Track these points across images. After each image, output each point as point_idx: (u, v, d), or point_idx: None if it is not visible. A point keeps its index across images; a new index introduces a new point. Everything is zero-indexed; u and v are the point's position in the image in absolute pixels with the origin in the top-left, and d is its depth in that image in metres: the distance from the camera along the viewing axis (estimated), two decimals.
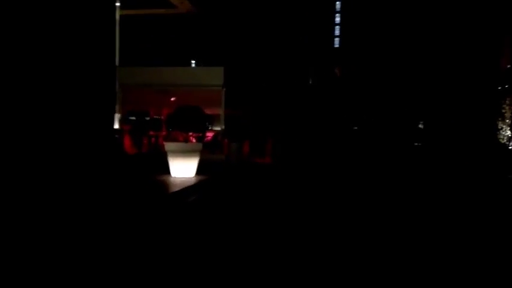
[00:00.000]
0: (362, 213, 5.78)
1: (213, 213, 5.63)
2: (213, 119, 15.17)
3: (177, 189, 6.63)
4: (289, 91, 20.91)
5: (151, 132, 14.03)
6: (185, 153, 7.56)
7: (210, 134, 14.16)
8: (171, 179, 7.50)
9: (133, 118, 13.93)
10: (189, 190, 6.70)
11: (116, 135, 7.50)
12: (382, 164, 14.40)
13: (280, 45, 21.94)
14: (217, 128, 14.06)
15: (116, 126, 8.01)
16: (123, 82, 13.69)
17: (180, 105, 7.86)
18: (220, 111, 13.56)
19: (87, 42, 6.44)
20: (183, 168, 7.65)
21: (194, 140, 14.22)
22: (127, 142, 14.18)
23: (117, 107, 14.38)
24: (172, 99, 14.93)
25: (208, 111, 16.03)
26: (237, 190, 7.67)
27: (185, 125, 7.63)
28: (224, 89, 13.20)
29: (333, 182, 9.45)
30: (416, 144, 25.87)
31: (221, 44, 13.84)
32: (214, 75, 13.20)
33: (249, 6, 16.18)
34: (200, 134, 9.42)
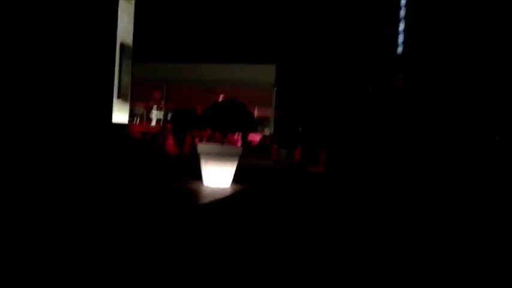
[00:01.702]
0: (432, 238, 4.18)
1: (250, 236, 4.21)
2: (261, 121, 13.84)
3: (204, 200, 5.29)
4: (347, 96, 19.07)
5: (195, 132, 12.97)
6: (219, 156, 6.21)
7: (257, 138, 12.81)
8: (202, 188, 6.19)
9: (176, 116, 12.95)
10: (218, 204, 5.34)
11: (126, 131, 6.39)
12: (451, 183, 12.16)
13: (340, 46, 20.17)
14: (266, 132, 12.68)
15: (125, 121, 6.88)
16: (166, 79, 12.82)
17: (219, 100, 6.53)
18: (269, 113, 12.17)
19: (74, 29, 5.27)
20: (216, 176, 6.31)
21: (239, 143, 13.01)
22: (169, 142, 13.25)
23: (161, 103, 13.58)
24: (220, 98, 13.78)
25: (256, 113, 14.79)
26: (283, 206, 6.20)
27: (223, 124, 6.30)
28: (275, 88, 11.80)
29: (398, 199, 7.65)
30: (492, 160, 22.76)
31: (273, 39, 12.51)
32: (265, 73, 11.86)
33: (309, 1, 14.73)
34: (236, 137, 8.02)
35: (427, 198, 8.00)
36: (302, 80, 13.15)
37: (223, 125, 6.32)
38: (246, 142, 12.53)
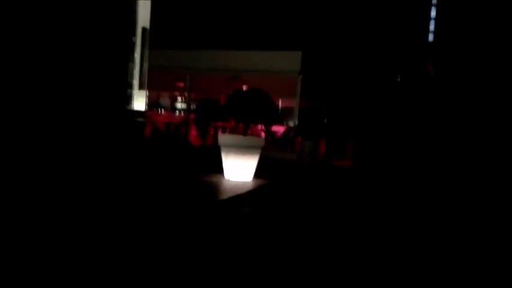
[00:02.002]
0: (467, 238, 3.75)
1: (269, 235, 3.89)
2: (285, 112, 13.41)
3: (224, 196, 4.98)
4: (375, 86, 18.32)
5: (219, 123, 12.70)
6: (241, 148, 5.88)
7: (281, 129, 12.42)
8: (223, 182, 5.89)
9: (198, 107, 12.77)
10: (238, 199, 5.02)
11: (140, 120, 6.13)
12: (480, 176, 11.40)
13: (368, 34, 19.39)
14: (290, 123, 12.26)
15: (142, 108, 6.60)
16: (188, 66, 12.55)
17: (240, 88, 6.18)
18: (294, 103, 11.74)
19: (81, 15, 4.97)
20: (238, 169, 5.99)
21: (263, 135, 12.65)
22: (192, 133, 13.06)
23: (184, 94, 13.35)
24: (244, 87, 13.44)
25: (281, 103, 14.36)
26: (307, 202, 5.83)
27: (246, 114, 5.95)
28: (300, 76, 11.33)
29: (427, 196, 7.14)
30: None
31: (299, 25, 11.96)
32: (291, 61, 11.39)
33: None
34: (260, 128, 7.67)
35: (461, 196, 7.45)
36: (329, 68, 12.61)
37: (245, 116, 5.97)
38: (269, 134, 12.18)
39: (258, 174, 6.27)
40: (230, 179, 6.04)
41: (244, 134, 6.17)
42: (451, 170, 11.97)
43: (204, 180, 5.89)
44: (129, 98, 6.16)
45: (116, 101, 4.82)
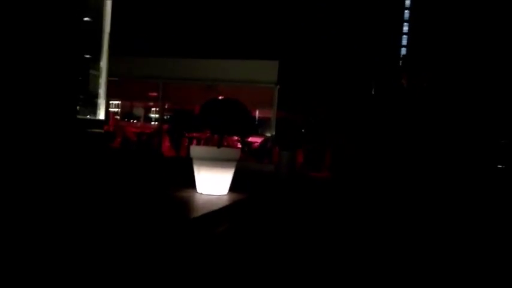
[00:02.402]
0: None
1: (249, 254, 3.53)
2: (263, 123, 13.15)
3: (196, 214, 4.59)
4: (352, 96, 18.37)
5: (194, 134, 12.27)
6: (215, 161, 5.51)
7: (258, 140, 12.11)
8: (195, 197, 5.49)
9: (171, 117, 12.34)
10: (214, 216, 4.64)
11: (101, 130, 5.68)
12: (459, 187, 11.41)
13: (343, 45, 19.48)
14: (267, 134, 11.98)
15: (101, 117, 6.16)
16: (162, 75, 12.14)
17: (213, 97, 5.84)
18: (271, 113, 11.48)
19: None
20: (211, 183, 5.61)
21: (239, 146, 12.31)
22: (165, 143, 12.57)
23: (158, 104, 12.90)
24: (219, 97, 13.07)
25: (257, 114, 14.10)
26: (286, 216, 5.49)
27: (219, 125, 5.60)
28: (278, 87, 11.11)
29: (406, 206, 6.96)
30: (499, 166, 21.95)
31: (275, 35, 11.78)
32: (268, 70, 11.16)
33: None
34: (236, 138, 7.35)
35: (437, 205, 7.30)
36: (306, 78, 12.46)
37: (219, 127, 5.62)
38: (246, 144, 11.85)
39: (233, 187, 5.90)
40: (203, 193, 5.65)
41: (219, 145, 5.80)
42: (427, 181, 11.94)
43: (174, 195, 5.48)
44: (94, 108, 5.71)
45: (63, 110, 4.37)
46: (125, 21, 12.42)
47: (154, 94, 12.85)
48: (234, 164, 5.77)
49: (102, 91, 6.10)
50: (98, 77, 5.81)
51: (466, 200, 8.51)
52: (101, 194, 5.15)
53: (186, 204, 5.05)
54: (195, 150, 5.66)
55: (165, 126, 12.61)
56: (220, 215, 4.79)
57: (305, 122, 12.77)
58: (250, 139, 12.24)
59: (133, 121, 15.74)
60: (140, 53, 12.49)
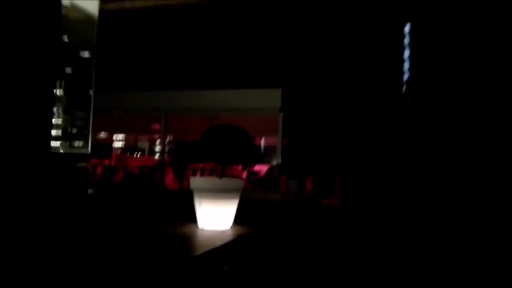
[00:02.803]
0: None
1: None
2: (268, 151, 12.77)
3: (195, 252, 4.15)
4: (359, 121, 18.00)
5: (198, 165, 11.89)
6: (217, 193, 5.10)
7: (263, 168, 11.71)
8: (195, 233, 5.05)
9: (173, 148, 12.04)
10: (214, 254, 4.19)
11: (83, 164, 5.31)
12: (474, 215, 10.78)
13: (346, 71, 19.33)
14: (273, 162, 11.59)
15: (86, 151, 5.76)
16: (163, 108, 11.94)
17: (213, 124, 5.52)
18: (276, 141, 11.13)
19: None
20: (213, 216, 5.18)
21: (245, 175, 11.90)
22: (169, 176, 12.21)
23: (160, 136, 12.63)
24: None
25: (262, 142, 13.76)
26: (295, 252, 5.01)
27: (219, 152, 5.23)
28: (282, 114, 10.81)
29: (421, 235, 6.41)
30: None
31: (277, 62, 11.57)
32: (270, 98, 10.91)
33: (315, 21, 13.79)
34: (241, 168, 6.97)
35: (455, 237, 6.74)
36: (310, 104, 12.19)
37: (219, 155, 5.25)
38: (251, 174, 11.44)
39: (238, 220, 5.46)
40: (204, 229, 5.21)
41: (221, 176, 5.42)
42: (443, 209, 11.34)
43: (172, 232, 5.04)
44: (80, 141, 5.34)
45: (35, 143, 4.03)
46: (121, 54, 12.38)
47: (157, 127, 12.62)
48: (238, 195, 5.36)
49: (88, 124, 5.79)
50: (83, 109, 5.52)
51: (486, 221, 7.93)
52: (90, 232, 4.75)
53: (184, 242, 4.61)
54: (195, 181, 5.27)
55: (168, 158, 12.30)
56: (222, 253, 4.34)
57: (312, 149, 12.38)
58: (255, 168, 11.85)
59: (136, 155, 15.48)
60: (139, 87, 12.35)
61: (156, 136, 13.13)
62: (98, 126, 13.31)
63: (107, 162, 13.39)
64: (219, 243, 4.48)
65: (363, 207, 10.59)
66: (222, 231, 5.08)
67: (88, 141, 5.61)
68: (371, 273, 4.13)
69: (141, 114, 12.52)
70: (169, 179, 11.98)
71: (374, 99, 25.81)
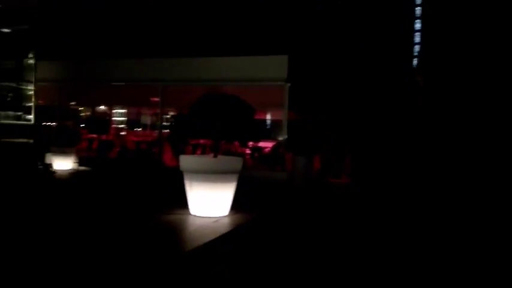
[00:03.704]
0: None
1: None
2: (273, 126, 11.89)
3: (183, 248, 3.39)
4: (371, 94, 16.92)
5: (200, 141, 11.07)
6: (210, 175, 4.31)
7: (269, 145, 10.88)
8: (186, 221, 4.30)
9: (172, 122, 11.20)
10: (205, 250, 3.42)
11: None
12: (488, 192, 9.90)
13: (358, 41, 18.12)
14: (279, 138, 10.74)
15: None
16: (161, 78, 11.04)
17: (208, 93, 4.65)
18: (282, 115, 10.24)
19: None
20: (207, 202, 4.41)
21: (248, 152, 11.09)
22: (167, 153, 11.44)
23: (158, 110, 11.82)
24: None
25: (268, 116, 12.87)
26: (305, 242, 4.24)
27: (213, 127, 4.40)
28: (288, 85, 9.87)
29: (434, 214, 5.62)
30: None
31: (284, 25, 10.46)
32: (276, 67, 9.94)
33: None
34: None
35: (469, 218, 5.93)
36: (319, 75, 11.15)
37: (212, 130, 4.42)
38: (253, 150, 10.62)
39: (237, 204, 4.69)
40: (197, 215, 4.45)
41: (215, 154, 4.61)
42: (457, 185, 10.48)
43: (160, 219, 4.29)
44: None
45: None
46: (118, 18, 11.38)
47: (155, 99, 11.75)
48: (235, 177, 4.56)
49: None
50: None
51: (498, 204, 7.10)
52: (49, 219, 4.01)
53: (170, 234, 3.85)
54: (185, 160, 4.47)
55: (166, 133, 11.49)
56: (215, 247, 3.57)
57: (320, 124, 11.48)
58: (260, 144, 11.03)
59: (138, 129, 14.72)
60: (136, 54, 11.39)
61: (155, 109, 12.27)
62: (95, 98, 12.51)
63: (104, 137, 12.65)
64: (210, 235, 3.72)
65: (375, 187, 9.79)
66: (217, 220, 4.32)
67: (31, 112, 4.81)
68: (384, 260, 3.36)
69: (139, 85, 11.63)
70: (168, 155, 11.20)
71: (386, 71, 24.53)
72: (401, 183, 10.32)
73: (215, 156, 4.59)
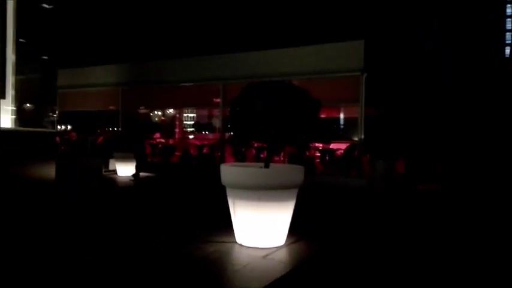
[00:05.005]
0: None
1: None
2: (346, 124, 10.42)
3: None
4: (463, 86, 14.53)
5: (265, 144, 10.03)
6: (259, 191, 3.16)
7: (341, 146, 9.46)
8: (228, 254, 3.19)
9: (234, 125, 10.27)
10: None
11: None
12: None
13: (446, 25, 15.78)
14: (354, 138, 9.26)
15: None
16: (221, 76, 10.18)
17: (252, 82, 3.51)
18: (357, 111, 8.75)
19: None
20: (255, 227, 3.26)
21: (318, 155, 9.77)
22: (229, 157, 10.56)
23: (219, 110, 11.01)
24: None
25: (340, 113, 11.40)
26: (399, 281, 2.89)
27: (267, 127, 3.25)
28: (365, 75, 8.36)
29: None
30: None
31: (359, 4, 8.91)
32: (349, 55, 8.51)
33: None
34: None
35: None
36: (402, 63, 9.37)
37: (265, 131, 3.27)
38: (323, 153, 9.26)
39: (299, 224, 3.50)
40: (243, 245, 3.33)
41: (266, 163, 3.46)
42: None
43: (195, 248, 3.23)
44: None
45: None
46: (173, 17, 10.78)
47: (217, 100, 10.95)
48: (294, 193, 3.36)
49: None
50: None
51: None
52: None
53: (202, 276, 2.76)
54: (226, 171, 3.37)
55: (228, 136, 10.62)
56: None
57: (404, 122, 9.76)
58: (331, 146, 9.65)
59: (203, 132, 14.18)
60: (193, 52, 10.65)
61: (216, 110, 11.50)
62: (150, 101, 12.10)
63: (166, 141, 12.22)
64: (254, 283, 2.56)
65: (473, 195, 7.88)
66: (268, 254, 3.14)
67: None
68: None
69: (197, 85, 10.92)
70: (231, 160, 10.32)
71: (476, 60, 21.30)
72: (507, 190, 8.22)
73: (266, 166, 3.43)
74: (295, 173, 3.36)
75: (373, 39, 8.66)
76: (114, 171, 9.83)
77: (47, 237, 3.65)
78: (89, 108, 12.79)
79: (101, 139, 12.34)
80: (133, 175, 8.84)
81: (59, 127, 13.87)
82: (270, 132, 3.26)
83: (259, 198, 3.17)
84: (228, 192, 3.40)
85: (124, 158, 9.58)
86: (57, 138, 13.36)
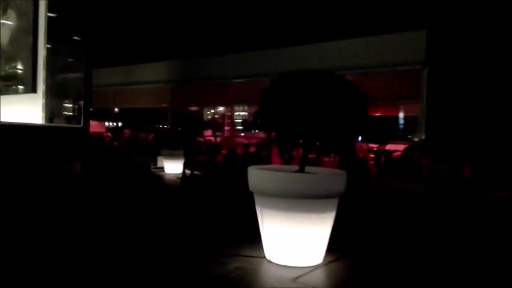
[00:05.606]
0: None
1: None
2: (405, 123, 9.51)
3: None
4: None
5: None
6: (291, 199, 2.67)
7: (399, 148, 8.62)
8: (255, 273, 2.73)
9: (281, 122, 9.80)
10: None
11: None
12: None
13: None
14: (413, 139, 8.38)
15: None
16: (265, 71, 9.75)
17: (287, 71, 3.01)
18: (418, 109, 7.89)
19: None
20: (286, 242, 2.77)
21: (372, 156, 9.00)
22: (276, 156, 10.12)
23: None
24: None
25: (400, 112, 10.45)
26: None
27: (297, 124, 2.77)
28: (427, 70, 7.49)
29: None
30: None
31: None
32: (408, 46, 7.68)
33: None
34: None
35: None
36: (470, 54, 8.32)
37: (297, 130, 2.78)
38: (378, 154, 8.48)
39: (341, 240, 2.97)
40: (272, 261, 2.85)
41: (301, 166, 2.97)
42: None
43: (223, 265, 2.81)
44: None
45: None
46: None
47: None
48: (335, 203, 2.82)
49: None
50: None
51: None
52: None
53: None
54: (253, 175, 2.91)
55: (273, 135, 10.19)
56: None
57: (470, 120, 8.68)
58: (388, 147, 8.86)
59: (253, 131, 13.89)
60: (238, 48, 10.34)
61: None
62: (196, 98, 11.96)
63: (213, 139, 12.07)
64: None
65: None
66: (300, 276, 2.64)
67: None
68: None
69: (248, 82, 10.60)
70: (277, 160, 9.89)
71: None
72: None
73: (301, 169, 2.93)
74: (333, 180, 2.81)
75: (438, 29, 7.72)
76: (162, 169, 9.82)
77: (47, 237, 3.44)
78: (140, 105, 13.01)
79: (151, 136, 12.47)
80: (184, 173, 8.69)
81: (111, 124, 14.32)
82: (302, 130, 2.75)
83: (290, 208, 2.68)
84: (256, 199, 2.94)
85: (171, 156, 9.52)
86: (109, 134, 13.77)
